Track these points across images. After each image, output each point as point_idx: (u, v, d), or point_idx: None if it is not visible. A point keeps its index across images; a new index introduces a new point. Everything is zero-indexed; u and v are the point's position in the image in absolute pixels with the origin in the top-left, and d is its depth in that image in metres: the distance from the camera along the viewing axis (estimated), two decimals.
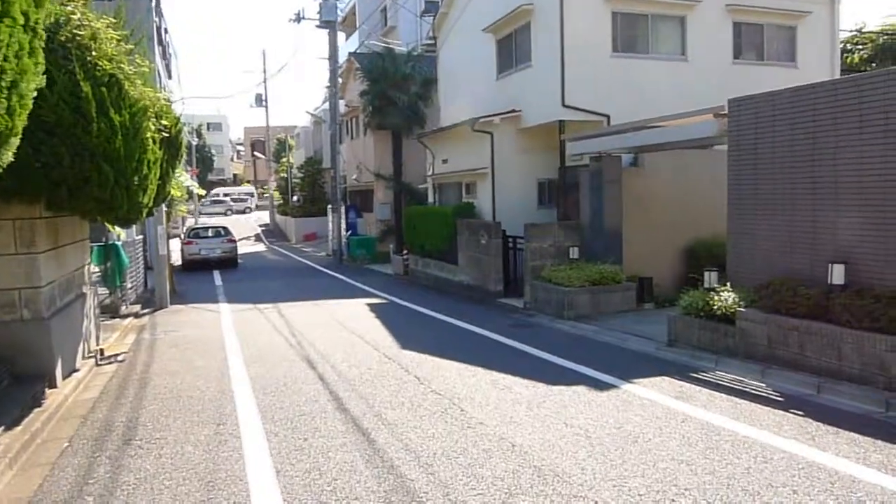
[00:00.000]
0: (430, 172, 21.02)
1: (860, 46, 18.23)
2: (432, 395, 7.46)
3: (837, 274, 7.62)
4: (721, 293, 9.01)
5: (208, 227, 28.11)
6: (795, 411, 6.62)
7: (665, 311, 12.57)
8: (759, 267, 8.91)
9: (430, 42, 24.86)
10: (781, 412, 6.60)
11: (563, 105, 15.16)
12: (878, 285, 7.33)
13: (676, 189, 14.01)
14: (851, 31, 18.31)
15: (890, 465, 5.21)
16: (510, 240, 15.45)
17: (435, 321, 13.04)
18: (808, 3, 16.97)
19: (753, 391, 7.43)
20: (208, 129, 78.91)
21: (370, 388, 7.82)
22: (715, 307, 8.88)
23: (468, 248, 16.63)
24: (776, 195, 8.60)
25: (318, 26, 26.95)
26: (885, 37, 18.41)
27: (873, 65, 18.09)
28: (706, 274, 9.55)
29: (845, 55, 18.50)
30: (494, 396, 7.37)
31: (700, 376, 8.20)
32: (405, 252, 21.55)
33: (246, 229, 48.60)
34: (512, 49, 17.36)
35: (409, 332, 11.78)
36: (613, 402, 7.07)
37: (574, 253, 13.62)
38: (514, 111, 16.90)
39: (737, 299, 8.76)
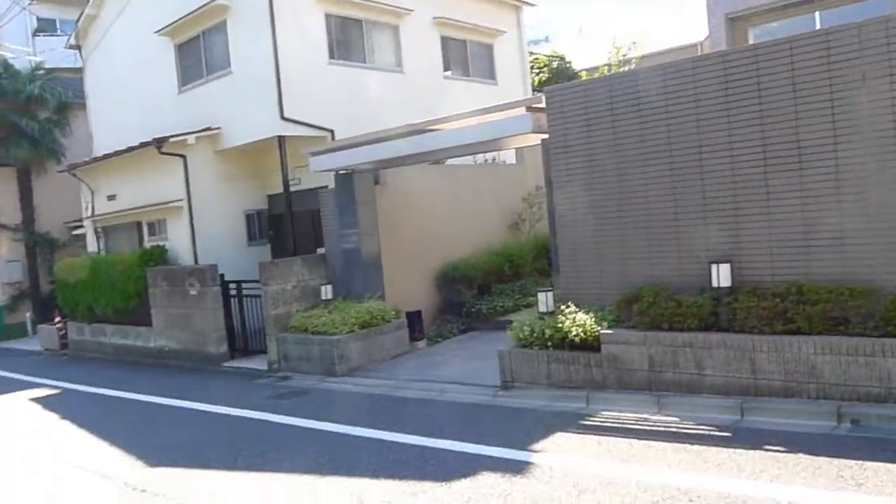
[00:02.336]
0: (88, 214, 16.15)
1: (539, 70, 19.16)
2: None
3: (724, 275, 6.62)
4: (569, 316, 7.48)
5: None
6: (764, 446, 5.26)
7: (443, 348, 10.90)
8: (607, 280, 7.62)
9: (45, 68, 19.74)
10: (744, 451, 5.20)
11: (283, 118, 12.49)
12: (769, 282, 6.50)
13: (421, 209, 12.43)
14: (532, 55, 19.18)
15: None
16: (231, 286, 12.14)
17: (159, 409, 9.20)
18: (501, 24, 17.14)
19: (680, 429, 5.96)
20: None
21: None
22: (572, 333, 7.30)
23: (169, 304, 12.75)
24: (623, 195, 7.42)
25: None
26: (556, 62, 19.73)
27: (553, 82, 19.19)
28: (541, 296, 7.96)
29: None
30: None
31: (592, 422, 6.49)
32: (58, 319, 16.23)
33: None
34: (200, 55, 14.03)
35: (134, 433, 7.93)
36: (560, 493, 4.87)
37: (327, 292, 11.05)
38: (209, 129, 13.59)
39: (595, 320, 7.32)
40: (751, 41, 20.92)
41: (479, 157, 15.31)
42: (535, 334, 7.68)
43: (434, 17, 15.43)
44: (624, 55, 15.60)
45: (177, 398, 9.58)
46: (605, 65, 15.62)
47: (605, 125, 7.45)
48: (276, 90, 12.39)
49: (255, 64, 12.69)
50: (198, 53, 14.08)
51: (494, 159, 15.85)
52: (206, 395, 9.77)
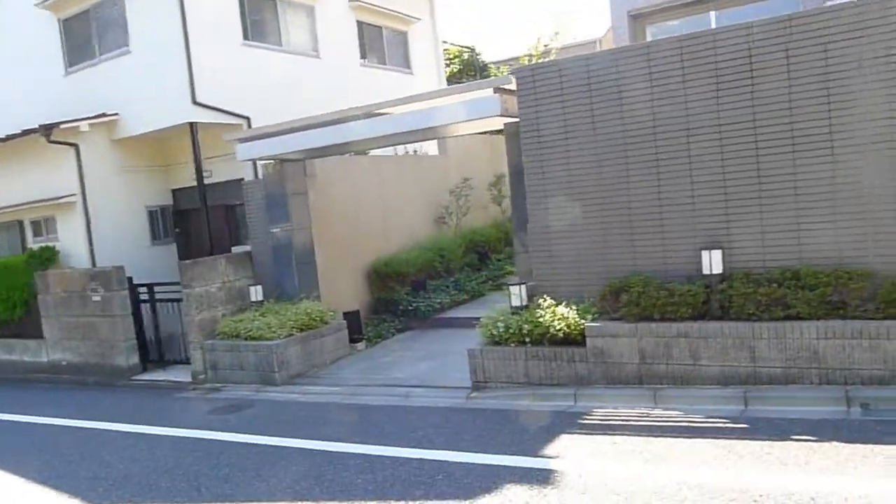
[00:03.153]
0: None
1: (449, 61, 18.76)
2: None
3: (716, 262, 6.43)
4: (548, 309, 7.08)
5: None
6: (791, 436, 5.07)
7: (385, 349, 10.24)
8: (586, 272, 7.28)
9: None
10: (774, 442, 4.99)
11: (195, 102, 11.30)
12: (760, 268, 6.38)
13: (349, 202, 11.69)
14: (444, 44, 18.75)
15: None
16: (142, 290, 10.83)
17: (74, 434, 7.91)
18: (416, 11, 16.55)
19: (691, 423, 5.67)
20: None
21: None
22: (554, 328, 6.89)
23: (66, 312, 11.21)
24: (603, 180, 7.09)
25: None
26: (467, 54, 19.42)
27: (463, 77, 18.84)
28: (514, 289, 7.49)
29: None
30: None
31: (591, 420, 6.12)
32: None
33: None
34: (91, 31, 12.46)
35: (56, 465, 6.70)
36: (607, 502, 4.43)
37: (257, 293, 10.07)
38: (105, 115, 12.10)
39: (578, 313, 6.95)
40: (648, 38, 21.64)
41: (401, 149, 14.71)
42: (510, 330, 7.21)
43: (350, 1, 14.62)
44: (546, 45, 15.50)
45: (90, 419, 8.32)
46: (525, 55, 15.45)
47: (582, 107, 7.09)
48: (186, 72, 11.21)
49: (161, 42, 11.41)
50: (88, 30, 12.51)
51: (416, 151, 15.29)
52: (125, 413, 8.56)
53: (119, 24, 12.03)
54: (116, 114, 12.13)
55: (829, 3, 7.17)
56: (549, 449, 5.45)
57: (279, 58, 12.94)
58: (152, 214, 13.14)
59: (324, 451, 6.10)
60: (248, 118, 12.01)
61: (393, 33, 16.07)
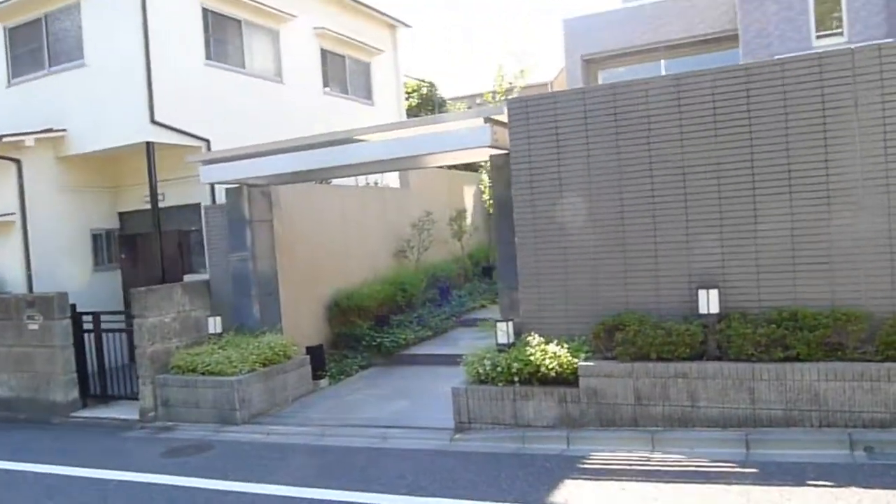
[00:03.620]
0: None
1: (408, 95, 18.66)
2: None
3: (713, 301, 6.34)
4: (538, 347, 6.83)
5: None
6: (806, 482, 4.92)
7: (350, 387, 9.75)
8: (576, 309, 7.09)
9: None
10: (792, 488, 4.84)
11: (154, 121, 10.72)
12: (756, 308, 6.33)
13: (310, 232, 11.25)
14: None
15: None
16: (86, 319, 10.02)
17: (10, 479, 7.09)
18: (379, 43, 16.43)
19: (697, 468, 5.48)
20: None
21: None
22: (545, 366, 6.64)
23: None
24: (596, 215, 6.96)
25: None
26: (425, 88, 19.38)
27: (421, 112, 18.75)
28: (500, 326, 7.22)
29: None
30: None
31: (591, 465, 5.85)
32: None
33: None
34: (42, 41, 11.75)
35: None
36: None
37: (216, 325, 9.46)
38: (51, 130, 11.36)
39: (570, 351, 6.73)
40: (599, 81, 22.18)
41: (361, 180, 14.40)
42: (498, 369, 6.91)
43: (314, 28, 14.39)
44: (510, 83, 15.59)
45: (26, 461, 7.52)
46: (490, 92, 15.51)
47: (577, 140, 6.98)
48: (145, 88, 10.66)
49: (119, 56, 10.84)
50: (38, 39, 11.80)
51: (377, 183, 14.99)
52: (68, 454, 7.78)
53: (73, 36, 11.40)
54: (64, 129, 11.40)
55: (777, 57, 7.23)
56: (556, 495, 5.15)
57: (242, 80, 12.52)
58: (97, 238, 12.34)
59: (305, 498, 5.62)
60: (207, 140, 11.50)
61: (355, 63, 15.87)
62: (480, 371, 7.01)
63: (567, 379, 6.67)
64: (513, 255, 7.57)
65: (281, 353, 9.19)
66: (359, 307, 11.60)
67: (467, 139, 7.38)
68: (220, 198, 11.53)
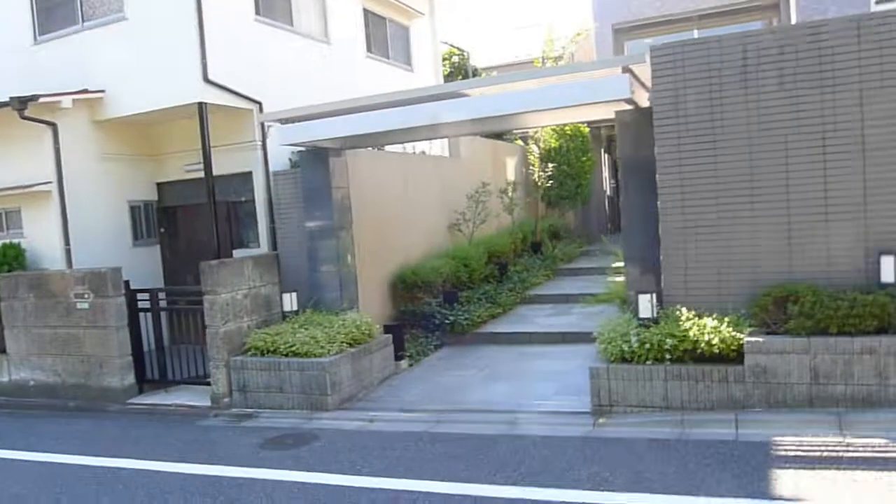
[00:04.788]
0: None
1: (442, 63, 17.75)
2: None
3: (888, 269, 5.67)
4: (691, 322, 6.13)
5: None
6: None
7: (434, 368, 9.01)
8: (729, 280, 6.38)
9: None
10: None
11: (206, 80, 9.75)
12: None
13: (378, 202, 10.41)
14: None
15: None
16: (142, 297, 9.12)
17: (102, 477, 6.24)
18: (418, 5, 15.48)
19: None
20: None
21: None
22: (704, 342, 5.94)
23: (37, 322, 9.30)
24: (756, 175, 6.23)
25: None
26: (457, 56, 18.48)
27: (455, 78, 17.89)
28: (642, 298, 6.49)
29: None
30: None
31: (789, 450, 5.16)
32: None
33: None
34: None
35: None
36: None
37: (291, 301, 8.65)
38: (87, 91, 10.34)
39: (731, 326, 6.03)
40: (626, 53, 21.41)
41: (409, 147, 13.56)
42: (646, 346, 6.20)
43: None
44: (563, 47, 14.77)
45: (106, 454, 6.68)
46: (538, 58, 14.68)
47: (736, 92, 6.22)
48: (198, 44, 9.64)
49: (166, 8, 9.82)
50: None
51: (424, 152, 14.14)
52: (149, 447, 6.95)
53: None
54: (102, 90, 10.38)
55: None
56: (778, 488, 4.45)
57: (291, 40, 11.55)
58: (134, 211, 11.36)
59: (475, 496, 4.87)
60: (259, 103, 10.52)
61: (396, 27, 14.91)
62: (625, 349, 6.29)
63: (727, 356, 5.99)
64: (646, 220, 6.85)
65: (366, 332, 8.41)
66: (425, 283, 10.81)
67: (601, 91, 6.56)
68: (275, 166, 10.67)
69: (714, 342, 5.93)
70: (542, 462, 5.46)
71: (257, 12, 10.85)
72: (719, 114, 6.28)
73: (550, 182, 15.18)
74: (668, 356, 6.13)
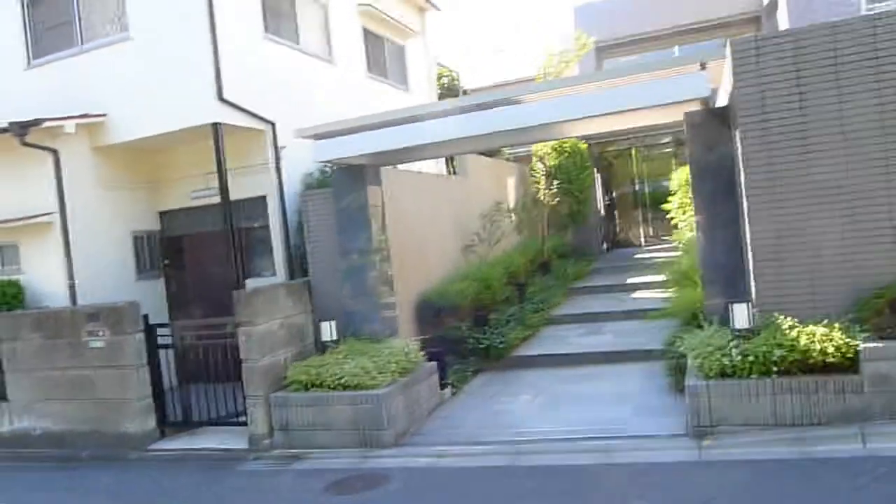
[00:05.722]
0: None
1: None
2: None
3: None
4: (800, 331, 5.74)
5: None
6: None
7: (479, 396, 8.47)
8: (825, 284, 6.03)
9: None
10: None
11: (221, 99, 9.15)
12: None
13: (403, 223, 9.86)
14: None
15: None
16: (162, 332, 8.35)
17: None
18: (412, 22, 15.13)
19: None
20: None
21: None
22: (827, 350, 5.55)
23: (44, 365, 8.41)
24: (852, 173, 5.92)
25: None
26: (446, 78, 18.17)
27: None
28: (737, 308, 6.08)
29: None
30: None
31: None
32: None
33: None
34: (72, 13, 9.94)
35: None
36: None
37: (331, 331, 8.00)
38: (87, 115, 9.60)
39: (842, 332, 5.66)
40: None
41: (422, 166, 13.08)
42: (750, 358, 5.78)
43: (359, 4, 12.99)
44: (566, 61, 14.54)
45: None
46: (539, 75, 14.43)
47: (826, 86, 5.93)
48: (212, 62, 9.10)
49: (177, 25, 9.23)
50: (67, 12, 10.01)
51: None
52: (189, 500, 6.21)
53: (110, 5, 9.69)
54: (104, 114, 9.66)
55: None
56: None
57: (298, 59, 11.04)
58: (137, 242, 10.59)
59: None
60: (273, 123, 9.96)
61: (393, 46, 14.52)
62: (726, 363, 5.86)
63: (839, 365, 5.61)
64: (724, 226, 6.52)
65: (415, 360, 7.82)
66: (452, 306, 10.25)
67: (678, 90, 6.24)
68: (288, 189, 10.08)
69: (829, 350, 5.55)
70: (665, 492, 4.95)
71: (266, 29, 10.33)
72: (809, 109, 5.98)
73: (557, 200, 14.84)
74: (774, 368, 5.72)
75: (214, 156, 9.23)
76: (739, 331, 6.06)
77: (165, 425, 8.33)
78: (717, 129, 6.57)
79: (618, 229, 20.40)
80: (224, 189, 9.28)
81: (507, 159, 17.76)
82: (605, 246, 19.46)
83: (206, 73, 9.06)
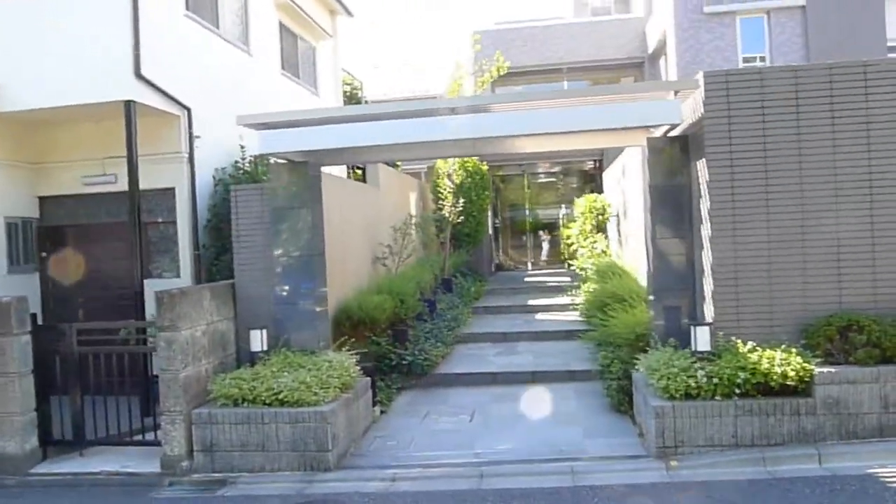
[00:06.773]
0: None
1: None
2: None
3: None
4: (760, 354, 5.96)
5: None
6: None
7: (411, 416, 8.10)
8: (779, 310, 6.30)
9: None
10: None
11: (139, 75, 8.18)
12: None
13: (336, 229, 9.35)
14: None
15: None
16: (60, 335, 7.19)
17: None
18: (325, 23, 14.57)
19: None
20: None
21: None
22: (785, 374, 5.77)
23: None
24: (807, 205, 6.26)
25: None
26: (348, 87, 17.66)
27: None
28: (699, 331, 6.20)
29: None
30: None
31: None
32: None
33: None
34: None
35: None
36: None
37: (261, 340, 7.29)
38: None
39: (798, 356, 5.93)
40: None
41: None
42: (714, 381, 5.90)
43: None
44: (482, 81, 14.52)
45: None
46: (451, 90, 14.32)
47: (786, 122, 6.26)
48: (131, 32, 8.13)
49: None
50: None
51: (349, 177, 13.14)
52: None
53: None
54: None
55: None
56: None
57: (216, 44, 10.20)
58: (11, 230, 9.19)
59: None
60: (188, 108, 9.08)
61: (306, 46, 13.89)
62: (692, 384, 5.94)
63: (794, 388, 5.87)
64: (675, 252, 6.71)
65: (354, 375, 7.30)
66: (371, 319, 9.77)
67: (652, 115, 6.33)
68: (203, 183, 9.25)
69: (789, 374, 5.77)
70: None
71: (186, 6, 9.44)
72: (771, 143, 6.27)
73: (461, 218, 14.79)
74: (737, 391, 5.87)
75: (126, 139, 8.20)
76: (701, 353, 6.18)
77: (50, 444, 7.16)
78: (678, 156, 6.74)
79: (506, 252, 20.74)
80: (133, 176, 8.25)
81: (408, 173, 17.52)
82: (492, 267, 19.70)
83: (123, 44, 8.08)
